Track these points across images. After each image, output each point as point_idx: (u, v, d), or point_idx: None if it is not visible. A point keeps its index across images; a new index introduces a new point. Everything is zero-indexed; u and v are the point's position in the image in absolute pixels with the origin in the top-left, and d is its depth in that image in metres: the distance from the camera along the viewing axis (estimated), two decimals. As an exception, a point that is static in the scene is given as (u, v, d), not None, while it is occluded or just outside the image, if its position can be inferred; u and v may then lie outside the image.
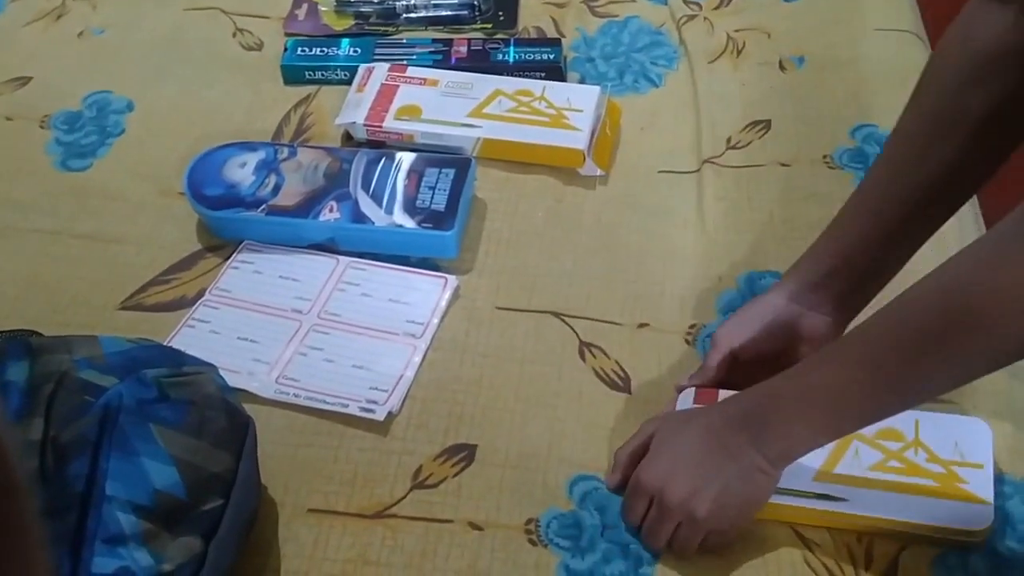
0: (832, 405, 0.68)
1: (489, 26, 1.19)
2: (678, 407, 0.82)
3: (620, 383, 0.87)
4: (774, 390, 0.72)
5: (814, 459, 0.77)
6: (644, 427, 0.80)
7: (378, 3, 1.20)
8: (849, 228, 0.79)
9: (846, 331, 0.81)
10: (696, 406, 0.80)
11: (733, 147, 1.05)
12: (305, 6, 1.22)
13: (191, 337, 0.90)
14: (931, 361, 0.63)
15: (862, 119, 1.05)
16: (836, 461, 0.77)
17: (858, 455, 0.78)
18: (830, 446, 0.77)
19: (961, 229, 0.95)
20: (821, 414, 0.69)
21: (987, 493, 0.75)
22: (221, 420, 0.72)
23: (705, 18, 1.18)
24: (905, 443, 0.78)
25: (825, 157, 1.03)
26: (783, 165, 1.03)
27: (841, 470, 0.77)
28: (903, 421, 0.79)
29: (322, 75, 1.13)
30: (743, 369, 0.82)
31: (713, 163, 1.03)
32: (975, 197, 1.00)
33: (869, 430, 0.78)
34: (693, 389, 0.82)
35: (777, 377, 0.73)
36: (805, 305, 0.80)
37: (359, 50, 1.14)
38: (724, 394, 0.80)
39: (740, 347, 0.82)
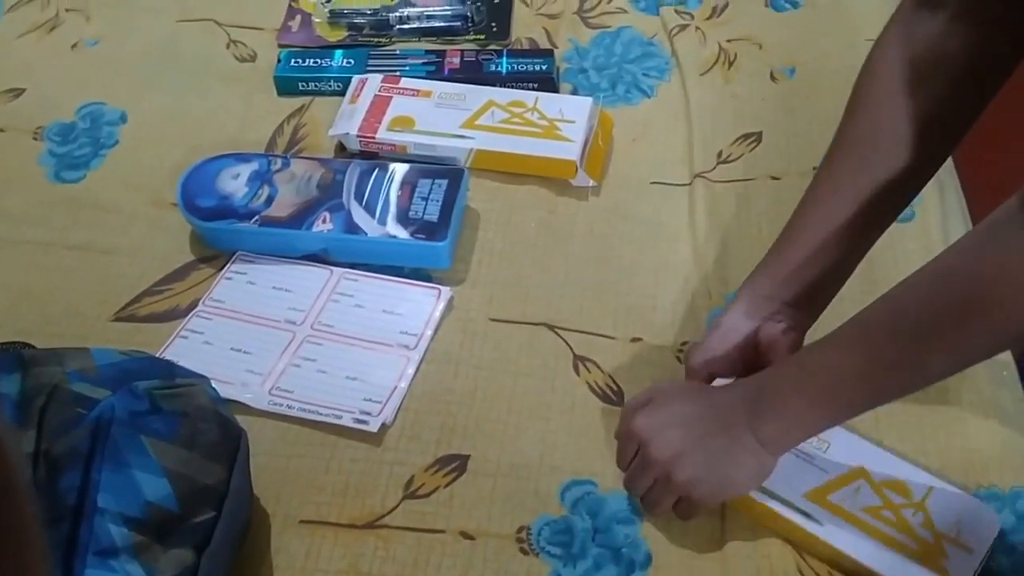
0: (828, 387, 0.69)
1: (482, 37, 1.19)
2: None
3: (613, 397, 0.87)
4: (775, 372, 0.73)
5: (813, 479, 0.77)
6: (656, 385, 0.81)
7: (371, 14, 1.20)
8: (797, 239, 0.79)
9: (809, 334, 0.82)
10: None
11: (724, 161, 1.05)
12: (298, 17, 1.22)
13: (184, 348, 0.90)
14: (927, 347, 0.64)
15: (853, 130, 1.06)
16: (834, 489, 0.77)
17: (858, 493, 0.77)
18: (834, 474, 0.77)
19: (945, 231, 0.96)
20: (817, 396, 0.70)
21: None
22: (213, 432, 0.72)
23: (697, 28, 1.19)
24: (909, 502, 0.77)
25: (815, 169, 1.03)
26: (773, 178, 1.03)
27: (835, 499, 0.77)
28: (917, 482, 0.78)
29: (315, 86, 1.13)
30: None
31: (704, 178, 1.03)
32: (962, 196, 1.01)
33: (879, 475, 0.78)
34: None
35: (780, 360, 0.74)
36: (761, 317, 0.80)
37: (352, 61, 1.14)
38: None
39: (717, 371, 0.82)
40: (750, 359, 0.81)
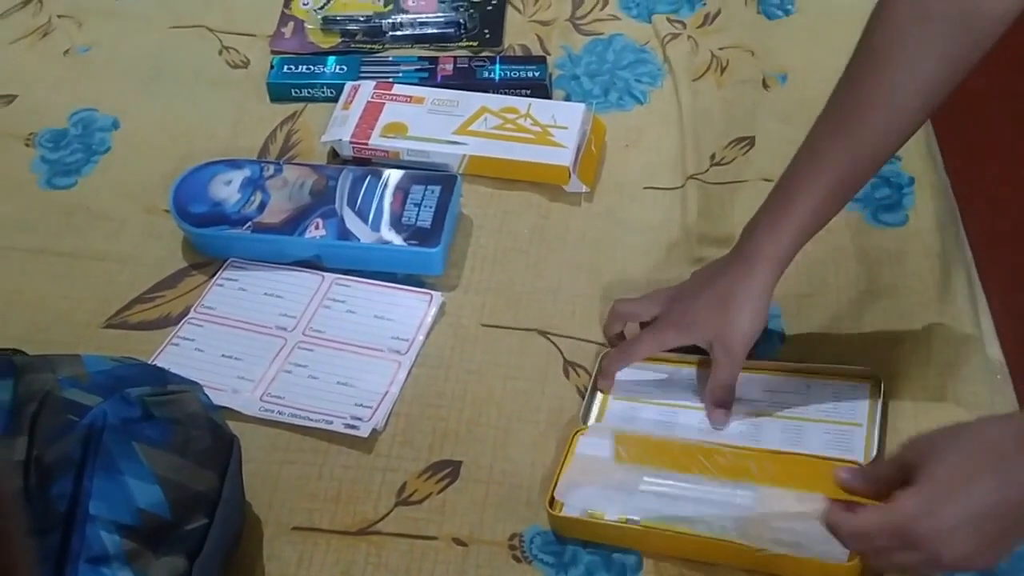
0: None
1: (475, 44, 1.19)
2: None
3: (603, 400, 0.87)
4: None
5: None
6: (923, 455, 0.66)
7: (364, 21, 1.20)
8: (804, 199, 0.81)
9: None
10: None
11: (717, 163, 1.05)
12: (291, 24, 1.22)
13: (176, 355, 0.90)
14: None
15: (845, 136, 1.06)
16: None
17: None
18: None
19: (940, 234, 0.96)
20: None
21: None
22: (205, 439, 0.72)
23: (689, 36, 1.19)
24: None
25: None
26: (766, 180, 1.03)
27: None
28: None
29: (308, 93, 1.13)
30: None
31: (697, 179, 1.03)
32: (953, 200, 1.01)
33: None
34: None
35: None
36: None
37: (345, 68, 1.14)
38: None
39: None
40: None
